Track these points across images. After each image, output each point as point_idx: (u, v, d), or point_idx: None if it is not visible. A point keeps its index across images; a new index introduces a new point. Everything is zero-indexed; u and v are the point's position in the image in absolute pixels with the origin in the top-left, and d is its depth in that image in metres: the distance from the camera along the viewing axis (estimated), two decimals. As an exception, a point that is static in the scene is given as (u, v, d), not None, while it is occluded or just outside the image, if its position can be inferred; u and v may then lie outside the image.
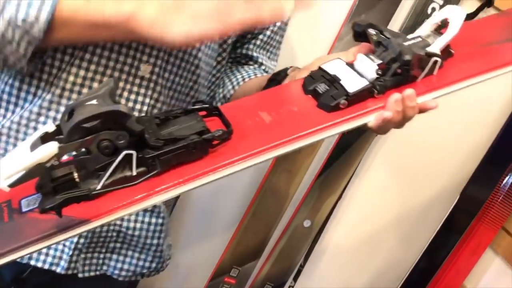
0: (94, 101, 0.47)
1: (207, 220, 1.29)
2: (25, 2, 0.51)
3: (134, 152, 0.48)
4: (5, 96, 0.65)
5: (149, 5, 0.49)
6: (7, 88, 0.65)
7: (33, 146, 0.46)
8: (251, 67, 0.83)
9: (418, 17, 1.11)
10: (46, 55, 0.62)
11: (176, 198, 1.20)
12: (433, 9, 1.12)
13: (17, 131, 0.65)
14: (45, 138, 0.47)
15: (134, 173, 0.49)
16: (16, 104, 0.65)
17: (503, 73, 0.58)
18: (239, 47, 0.82)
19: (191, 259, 1.32)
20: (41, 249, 0.48)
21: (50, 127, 0.47)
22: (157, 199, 0.50)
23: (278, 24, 0.82)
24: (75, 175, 0.48)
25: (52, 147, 0.45)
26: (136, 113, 0.67)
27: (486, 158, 1.25)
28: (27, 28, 0.52)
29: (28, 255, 0.66)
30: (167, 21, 0.49)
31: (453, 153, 1.28)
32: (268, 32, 0.82)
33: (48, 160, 0.46)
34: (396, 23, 1.12)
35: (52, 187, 0.48)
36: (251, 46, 0.82)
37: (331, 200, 1.24)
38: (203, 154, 0.51)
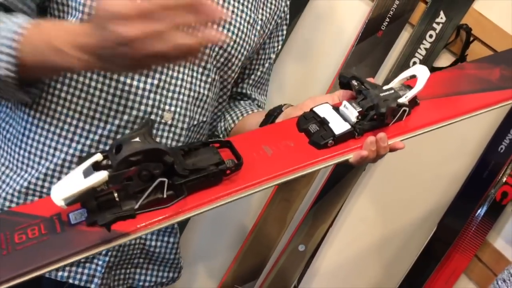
0: (137, 139, 0.55)
1: (213, 242, 1.35)
2: None
3: (166, 180, 0.57)
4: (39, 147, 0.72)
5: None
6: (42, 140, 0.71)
7: (86, 173, 0.55)
8: (247, 102, 0.91)
9: (401, 69, 1.17)
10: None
11: (186, 220, 1.28)
12: (414, 63, 1.21)
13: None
14: (95, 166, 0.56)
15: (165, 196, 0.57)
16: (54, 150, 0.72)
17: (461, 120, 0.69)
18: (234, 86, 0.91)
19: (197, 277, 1.38)
20: (89, 255, 0.56)
21: (99, 156, 0.56)
22: (184, 217, 0.58)
23: (266, 65, 0.91)
24: (115, 195, 0.57)
25: (103, 176, 0.54)
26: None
27: (460, 192, 1.29)
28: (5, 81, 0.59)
29: (66, 275, 0.74)
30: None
31: (431, 187, 1.34)
32: (258, 73, 0.91)
33: (99, 186, 0.54)
34: (382, 74, 1.22)
35: (96, 203, 0.56)
36: (245, 85, 0.91)
37: (323, 227, 1.31)
38: (218, 181, 0.60)
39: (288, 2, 0.89)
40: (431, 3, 1.17)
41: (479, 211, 1.26)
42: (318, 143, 0.65)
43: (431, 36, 1.20)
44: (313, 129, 0.66)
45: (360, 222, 1.38)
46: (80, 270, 0.75)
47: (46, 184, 0.72)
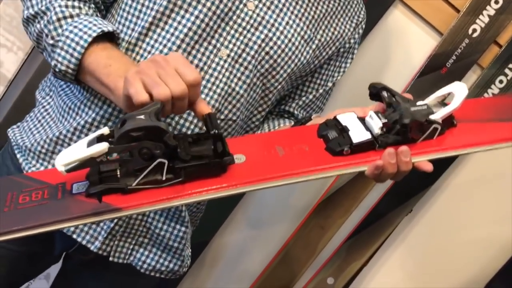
0: (142, 116, 0.54)
1: (240, 257, 1.31)
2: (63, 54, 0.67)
3: (166, 161, 0.55)
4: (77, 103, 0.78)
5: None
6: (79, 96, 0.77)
7: (90, 144, 0.55)
8: (291, 120, 0.87)
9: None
10: None
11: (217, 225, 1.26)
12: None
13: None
14: (100, 138, 0.56)
15: (164, 177, 0.56)
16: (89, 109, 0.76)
17: (497, 148, 0.60)
18: (283, 104, 0.89)
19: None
20: (80, 224, 0.56)
21: (106, 130, 0.56)
22: (178, 202, 0.57)
23: (320, 91, 0.88)
24: (118, 171, 0.57)
25: (103, 147, 0.54)
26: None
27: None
28: (64, 74, 0.68)
29: (72, 230, 0.76)
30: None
31: (482, 246, 1.22)
32: (310, 96, 0.88)
33: (99, 156, 0.54)
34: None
35: (98, 177, 0.56)
36: (293, 105, 0.88)
37: (356, 264, 1.22)
38: (220, 173, 0.57)
39: (356, 36, 0.87)
40: (505, 46, 1.08)
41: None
42: (334, 149, 0.60)
43: (501, 81, 1.11)
44: (331, 135, 0.62)
45: (397, 269, 1.28)
46: (85, 229, 0.77)
47: (74, 138, 0.75)
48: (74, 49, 0.65)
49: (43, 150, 0.77)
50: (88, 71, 0.66)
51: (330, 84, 0.89)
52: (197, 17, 0.71)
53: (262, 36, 0.74)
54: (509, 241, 1.19)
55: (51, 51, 0.69)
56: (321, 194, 1.19)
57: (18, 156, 0.79)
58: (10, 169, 0.80)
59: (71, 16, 0.68)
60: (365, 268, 1.24)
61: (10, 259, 0.81)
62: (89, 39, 0.65)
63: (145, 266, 0.82)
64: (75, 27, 0.66)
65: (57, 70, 0.68)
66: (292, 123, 0.85)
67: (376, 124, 0.60)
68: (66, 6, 0.68)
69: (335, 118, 0.64)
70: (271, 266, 1.25)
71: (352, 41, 0.86)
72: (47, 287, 1.32)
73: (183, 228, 0.80)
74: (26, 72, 1.18)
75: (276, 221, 1.27)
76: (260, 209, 1.28)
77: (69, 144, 0.75)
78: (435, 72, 1.12)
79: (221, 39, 0.73)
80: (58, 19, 0.67)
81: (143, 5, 0.73)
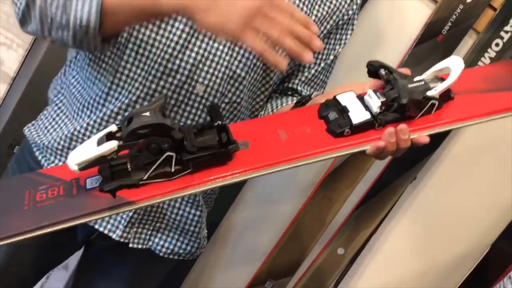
0: (147, 113, 0.56)
1: (251, 234, 1.34)
2: (78, 8, 0.62)
3: (174, 154, 0.57)
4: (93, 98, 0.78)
5: None
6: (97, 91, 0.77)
7: (99, 142, 0.57)
8: (294, 97, 0.88)
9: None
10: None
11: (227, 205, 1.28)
12: None
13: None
14: (109, 136, 0.57)
15: (173, 170, 0.58)
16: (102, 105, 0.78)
17: (495, 119, 0.61)
18: (286, 81, 0.89)
19: (233, 267, 1.37)
20: (97, 219, 0.59)
21: (113, 127, 0.58)
22: (188, 192, 0.58)
23: (322, 65, 0.88)
24: (128, 166, 0.59)
25: (113, 145, 0.55)
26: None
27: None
28: (85, 29, 0.63)
29: (94, 221, 0.78)
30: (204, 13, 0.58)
31: (488, 205, 1.23)
32: (312, 71, 0.87)
33: (109, 154, 0.56)
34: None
35: (110, 172, 0.58)
36: (296, 81, 0.88)
37: (365, 233, 1.25)
38: (226, 161, 0.59)
39: (354, 7, 0.86)
40: (500, 9, 1.07)
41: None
42: (335, 131, 0.61)
43: (497, 44, 1.09)
44: (332, 116, 0.63)
45: (405, 234, 1.29)
46: (106, 219, 0.81)
47: (88, 134, 0.78)
48: None
49: (60, 147, 0.80)
50: (114, 8, 0.62)
51: (332, 57, 0.88)
52: None
53: None
54: (512, 202, 1.20)
55: (62, 14, 0.64)
56: (327, 168, 1.21)
57: (36, 153, 0.82)
58: (30, 164, 0.84)
59: None
60: (373, 236, 1.26)
61: (36, 247, 0.85)
62: None
63: (163, 250, 0.85)
64: None
65: (77, 28, 0.63)
66: (295, 100, 0.86)
67: (375, 103, 0.61)
68: None
69: (334, 98, 0.65)
70: (282, 242, 1.28)
71: (350, 12, 0.85)
72: (66, 276, 1.36)
73: (198, 212, 0.83)
74: (28, 68, 1.19)
75: (284, 197, 1.29)
76: (267, 186, 1.30)
77: (83, 140, 0.77)
78: (431, 40, 1.11)
79: None
80: None
81: None
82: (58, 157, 0.80)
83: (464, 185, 1.22)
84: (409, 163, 1.20)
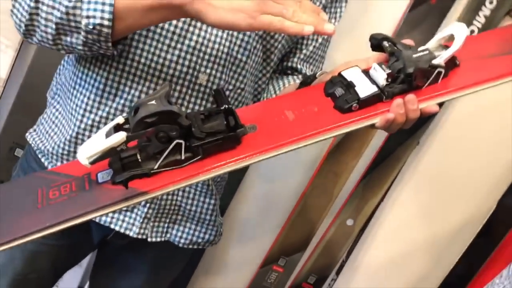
0: (153, 102, 0.55)
1: (260, 214, 1.35)
2: (90, 11, 0.61)
3: (183, 142, 0.57)
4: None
5: None
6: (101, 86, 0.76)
7: (108, 134, 0.56)
8: (295, 76, 0.88)
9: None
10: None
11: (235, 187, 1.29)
12: (472, 32, 1.10)
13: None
14: (117, 128, 0.57)
15: (183, 157, 0.58)
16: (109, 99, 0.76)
17: (503, 83, 0.61)
18: (285, 60, 0.88)
19: (245, 248, 1.38)
20: (112, 211, 0.58)
21: (120, 119, 0.57)
22: (200, 178, 0.58)
23: (319, 40, 0.87)
24: (138, 156, 0.58)
25: (121, 136, 0.55)
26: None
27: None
28: (98, 32, 0.62)
29: (109, 221, 0.79)
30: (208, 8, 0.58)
31: (492, 162, 1.23)
32: (310, 48, 0.87)
33: (118, 145, 0.56)
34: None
35: (120, 164, 0.58)
36: (295, 60, 0.87)
37: (373, 202, 1.26)
38: (235, 145, 0.59)
39: None
40: (492, -35, 1.05)
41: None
42: (342, 107, 0.61)
43: (491, 2, 1.09)
44: (338, 93, 0.62)
45: (412, 199, 1.30)
46: (121, 217, 0.80)
47: (87, 134, 0.77)
48: None
49: (65, 152, 0.79)
50: (126, 9, 0.61)
51: None
52: None
53: None
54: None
55: (73, 16, 0.62)
56: (330, 142, 1.21)
57: (42, 160, 0.81)
58: (36, 171, 0.82)
59: None
60: (381, 204, 1.27)
61: (52, 254, 0.85)
62: None
63: (182, 240, 0.86)
64: None
65: (89, 28, 0.62)
66: (297, 80, 0.85)
67: (381, 75, 0.60)
68: None
69: (340, 74, 0.64)
70: (291, 218, 1.29)
71: None
72: (80, 273, 1.37)
73: (212, 201, 0.83)
74: (19, 69, 1.16)
75: (289, 175, 1.29)
76: (272, 166, 1.29)
77: None
78: (425, 4, 1.10)
79: None
80: None
81: None
82: (65, 161, 0.79)
83: (467, 146, 1.23)
84: (411, 128, 1.18)
